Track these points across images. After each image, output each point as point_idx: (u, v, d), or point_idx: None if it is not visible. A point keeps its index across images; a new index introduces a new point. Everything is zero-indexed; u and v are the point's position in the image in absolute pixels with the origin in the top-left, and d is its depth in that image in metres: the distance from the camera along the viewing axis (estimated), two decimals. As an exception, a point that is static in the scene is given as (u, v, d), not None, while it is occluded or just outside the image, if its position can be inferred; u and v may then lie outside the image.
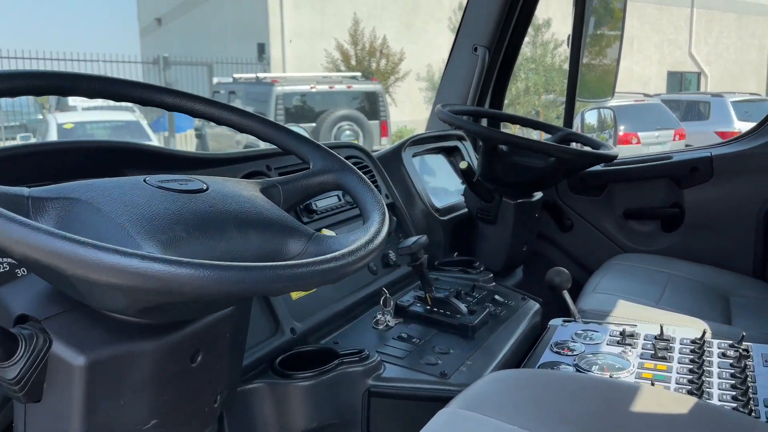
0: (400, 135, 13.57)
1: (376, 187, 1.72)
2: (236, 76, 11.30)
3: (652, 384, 1.15)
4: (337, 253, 0.70)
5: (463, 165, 1.81)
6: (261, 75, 10.99)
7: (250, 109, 1.00)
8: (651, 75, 18.38)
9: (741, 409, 1.08)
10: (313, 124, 10.10)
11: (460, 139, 2.30)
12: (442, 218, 1.93)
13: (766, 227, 2.12)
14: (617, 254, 2.26)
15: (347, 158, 1.68)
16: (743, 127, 10.42)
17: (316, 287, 0.88)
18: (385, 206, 0.87)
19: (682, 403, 0.97)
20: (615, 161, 2.02)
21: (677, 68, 19.21)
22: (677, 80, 19.28)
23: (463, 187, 2.09)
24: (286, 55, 15.08)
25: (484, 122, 2.44)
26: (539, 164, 1.84)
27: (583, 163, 1.90)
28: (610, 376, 1.23)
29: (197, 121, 10.72)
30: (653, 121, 10.78)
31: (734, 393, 1.14)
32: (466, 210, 2.02)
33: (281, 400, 1.13)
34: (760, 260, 2.13)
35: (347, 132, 10.38)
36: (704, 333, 1.36)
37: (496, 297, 1.59)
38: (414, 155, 2.02)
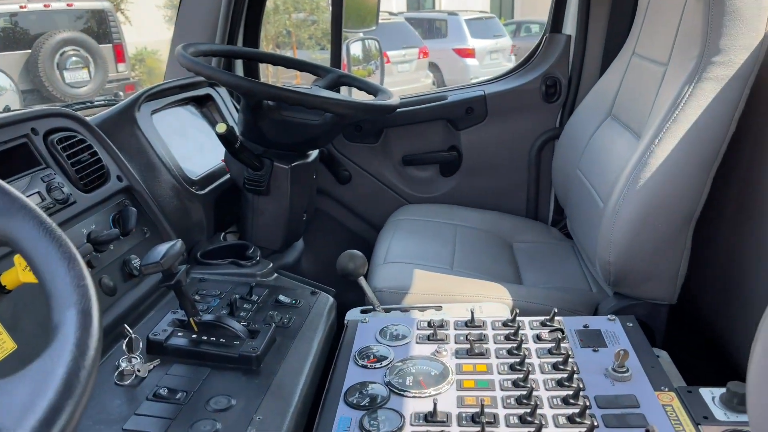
0: (141, 58, 12.07)
1: (101, 172, 1.26)
2: None
3: (481, 412, 0.95)
4: None
5: (220, 129, 1.42)
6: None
7: None
8: (393, -7, 18.85)
9: (577, 420, 0.94)
10: (28, 51, 8.43)
11: (212, 84, 1.87)
12: (199, 192, 1.53)
13: (538, 166, 2.10)
14: (400, 206, 2.10)
15: (49, 133, 1.19)
16: (477, 44, 11.22)
17: None
18: (88, 294, 0.48)
19: None
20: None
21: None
22: (415, -2, 20.09)
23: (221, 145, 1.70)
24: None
25: (239, 64, 2.03)
26: (314, 120, 1.52)
27: (363, 116, 1.62)
28: (431, 399, 1.02)
29: None
30: (399, 40, 11.04)
31: (564, 393, 1.01)
32: (230, 176, 1.64)
33: None
34: (533, 200, 2.13)
35: (73, 59, 8.88)
36: (514, 313, 1.22)
37: (281, 298, 1.27)
38: (153, 113, 1.56)
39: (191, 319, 1.09)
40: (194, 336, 1.08)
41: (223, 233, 1.62)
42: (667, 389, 1.02)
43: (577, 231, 1.75)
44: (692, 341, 1.61)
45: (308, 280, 1.38)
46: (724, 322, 1.51)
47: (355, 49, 2.68)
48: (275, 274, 1.40)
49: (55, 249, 0.50)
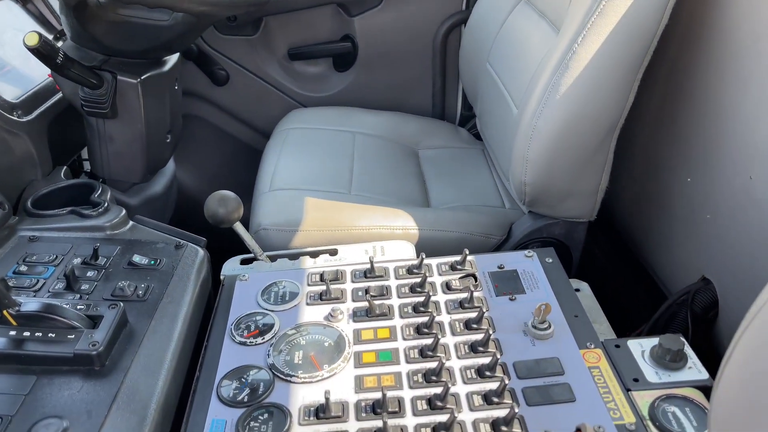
0: None
1: None
2: None
3: (384, 398, 0.79)
4: None
5: (30, 41, 1.06)
6: None
7: None
8: None
9: (495, 400, 0.80)
10: None
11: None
12: (23, 119, 1.20)
13: (443, 56, 1.86)
14: (289, 109, 1.82)
15: None
16: None
17: None
18: None
19: None
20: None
21: None
22: None
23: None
24: None
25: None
26: (162, 20, 1.19)
27: (227, 12, 1.29)
28: (323, 374, 0.84)
29: None
30: None
31: (479, 362, 0.86)
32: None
33: None
34: (439, 96, 1.90)
35: None
36: (420, 258, 1.04)
37: (135, 259, 1.02)
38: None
39: (5, 312, 0.83)
40: (12, 333, 0.83)
41: (64, 169, 1.31)
42: (593, 345, 0.89)
43: (487, 135, 1.56)
44: (610, 256, 1.51)
45: (174, 228, 1.13)
46: (639, 232, 1.42)
47: None
48: (130, 223, 1.13)
49: None
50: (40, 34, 1.06)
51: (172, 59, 1.36)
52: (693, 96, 1.17)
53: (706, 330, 1.16)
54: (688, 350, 0.87)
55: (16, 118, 1.18)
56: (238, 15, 1.72)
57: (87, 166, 1.51)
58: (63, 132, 1.32)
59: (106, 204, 1.13)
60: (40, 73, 1.32)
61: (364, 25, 1.81)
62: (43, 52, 1.08)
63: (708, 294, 1.15)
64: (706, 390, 0.83)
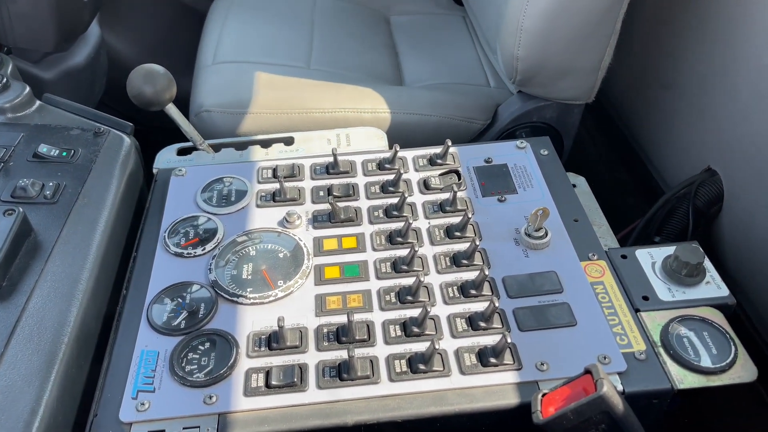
0: None
1: None
2: None
3: (350, 322, 0.65)
4: None
5: None
6: None
7: None
8: None
9: (482, 325, 0.67)
10: None
11: None
12: None
13: None
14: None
15: None
16: None
17: None
18: None
19: None
20: None
21: None
22: None
23: None
24: None
25: None
26: None
27: None
28: (277, 293, 0.70)
29: None
30: None
31: (461, 278, 0.72)
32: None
33: None
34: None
35: None
36: (393, 151, 0.87)
37: (42, 150, 0.83)
38: None
39: None
40: None
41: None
42: (596, 257, 0.76)
43: (472, 2, 1.34)
44: (604, 145, 1.36)
45: (93, 111, 0.92)
46: (636, 118, 1.26)
47: None
48: (37, 103, 0.92)
49: None
50: None
51: None
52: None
53: (706, 227, 1.05)
54: (707, 263, 0.75)
55: None
56: None
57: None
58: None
59: (4, 79, 0.91)
60: None
61: None
62: None
63: (713, 186, 1.02)
64: (726, 309, 0.71)
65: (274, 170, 0.87)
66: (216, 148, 0.94)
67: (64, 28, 1.12)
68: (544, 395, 0.58)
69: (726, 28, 0.97)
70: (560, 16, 0.96)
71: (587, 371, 0.56)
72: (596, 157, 1.38)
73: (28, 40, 1.09)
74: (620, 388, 0.63)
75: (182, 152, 0.93)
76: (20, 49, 1.11)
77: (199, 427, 0.60)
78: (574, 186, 0.90)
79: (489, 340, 0.66)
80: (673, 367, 0.65)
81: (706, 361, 0.65)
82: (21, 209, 0.72)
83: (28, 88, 0.91)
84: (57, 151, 0.83)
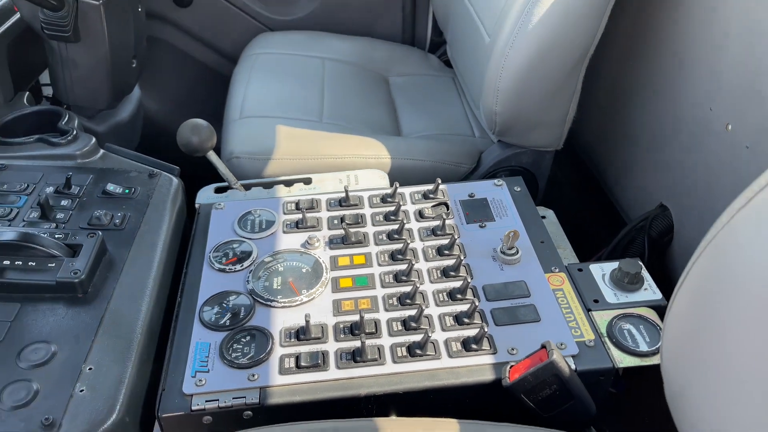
0: None
1: None
2: None
3: (361, 320, 0.83)
4: None
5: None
6: None
7: None
8: None
9: (466, 320, 0.85)
10: None
11: None
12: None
13: (414, -21, 1.82)
14: (255, 33, 1.78)
15: None
16: None
17: None
18: None
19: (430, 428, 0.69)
20: None
21: None
22: None
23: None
24: None
25: None
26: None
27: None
28: (302, 298, 0.88)
29: None
30: None
31: (450, 285, 0.91)
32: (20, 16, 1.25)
33: None
34: (409, 21, 1.87)
35: None
36: (394, 187, 1.07)
37: (110, 188, 1.02)
38: None
39: (-19, 244, 0.83)
40: (-10, 263, 0.84)
41: (27, 93, 1.27)
42: (557, 269, 0.94)
43: (458, 63, 1.56)
44: (575, 185, 1.57)
45: (146, 157, 1.12)
46: (603, 161, 1.47)
47: None
48: (101, 152, 1.12)
49: None
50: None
51: (135, -22, 1.31)
52: (659, 29, 1.19)
53: (660, 254, 1.24)
54: (645, 273, 0.93)
55: (-28, 41, 1.14)
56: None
57: (46, 91, 1.47)
58: (22, 55, 1.27)
59: (74, 132, 1.11)
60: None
61: (332, -56, 1.75)
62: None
63: (665, 220, 1.21)
64: (660, 309, 0.89)
65: (297, 204, 1.06)
66: (247, 187, 1.14)
67: (115, 90, 1.34)
68: (511, 366, 0.76)
69: (668, 87, 1.18)
70: (530, 79, 1.17)
71: (543, 346, 0.74)
72: (568, 193, 1.58)
73: (86, 99, 1.30)
74: (573, 366, 0.80)
75: (219, 190, 1.13)
76: (78, 106, 1.32)
77: (244, 397, 0.78)
78: (544, 217, 1.10)
79: (471, 332, 0.84)
80: (615, 352, 0.83)
81: (641, 347, 0.83)
82: (100, 233, 0.90)
83: (93, 139, 1.12)
84: (121, 189, 1.03)
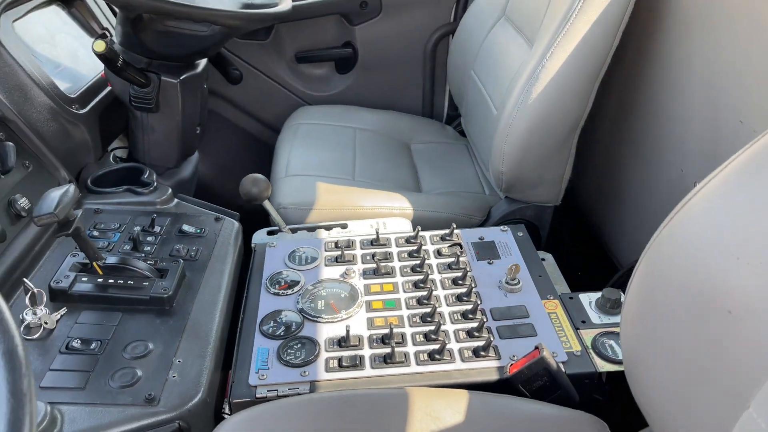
0: None
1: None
2: None
3: (390, 333, 1.04)
4: None
5: (98, 47, 1.29)
6: None
7: None
8: None
9: (476, 334, 1.05)
10: None
11: (76, -19, 1.66)
12: (81, 111, 1.42)
13: (433, 62, 2.10)
14: (296, 106, 2.05)
15: None
16: None
17: None
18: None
19: (453, 404, 0.88)
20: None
21: None
22: None
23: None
24: None
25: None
26: (202, 31, 1.42)
27: (256, 26, 1.53)
28: (343, 323, 1.09)
29: None
30: None
31: (463, 308, 1.11)
32: (111, 88, 1.53)
33: None
34: (429, 97, 2.15)
35: None
36: (416, 230, 1.29)
37: (185, 228, 1.26)
38: (14, 22, 1.39)
39: (95, 264, 1.06)
40: (100, 280, 1.06)
41: (112, 151, 1.53)
42: (552, 297, 1.14)
43: (471, 132, 1.81)
44: (574, 235, 1.78)
45: (211, 204, 1.36)
46: (598, 216, 1.68)
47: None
48: (175, 200, 1.36)
49: None
50: (105, 42, 1.29)
51: (203, 62, 1.59)
52: (640, 103, 1.43)
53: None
54: (624, 299, 1.13)
55: (75, 111, 1.40)
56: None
57: (118, 152, 1.73)
58: (108, 121, 1.54)
59: (155, 184, 1.36)
60: (88, 71, 1.54)
61: (364, 33, 2.05)
62: (108, 56, 1.30)
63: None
64: (636, 329, 1.08)
65: (336, 243, 1.28)
66: (293, 230, 1.36)
67: (183, 152, 1.59)
68: (511, 364, 0.95)
69: (648, 152, 1.41)
70: (530, 144, 1.40)
71: (536, 347, 0.93)
72: (568, 242, 1.78)
73: (159, 159, 1.56)
74: (563, 370, 0.99)
75: (270, 233, 1.36)
76: (152, 164, 1.57)
77: (298, 388, 0.97)
78: (544, 260, 1.30)
79: (480, 342, 1.04)
80: (597, 360, 1.02)
81: (619, 356, 1.02)
82: (181, 261, 1.13)
83: (170, 190, 1.36)
84: (194, 229, 1.26)
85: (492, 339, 1.02)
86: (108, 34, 1.36)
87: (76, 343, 0.96)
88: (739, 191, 0.66)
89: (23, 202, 1.14)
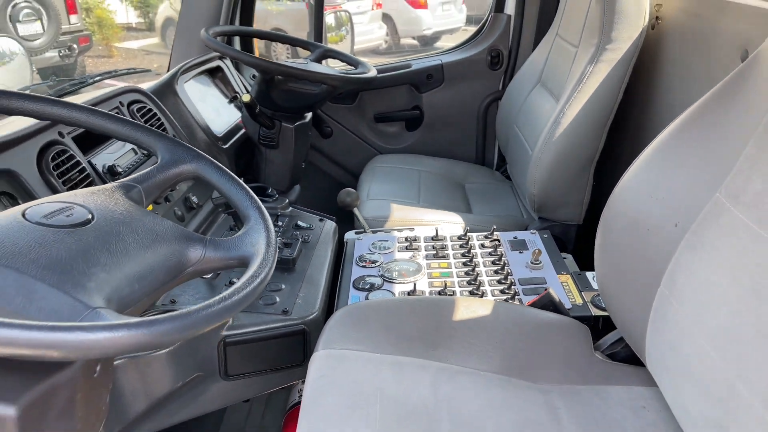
0: (87, 8, 11.83)
1: (161, 128, 1.69)
2: None
3: (444, 288, 1.48)
4: (248, 275, 0.78)
5: (246, 99, 1.86)
6: None
7: None
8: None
9: (506, 291, 1.47)
10: (-24, 4, 8.35)
11: (221, 58, 2.28)
12: (224, 146, 1.98)
13: (485, 121, 2.61)
14: (373, 156, 2.58)
15: (130, 104, 1.62)
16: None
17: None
18: (256, 200, 0.95)
19: (486, 306, 1.30)
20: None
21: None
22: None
23: (230, 106, 2.15)
24: None
25: (236, 39, 2.43)
26: (313, 90, 1.97)
27: (351, 87, 2.07)
28: (412, 283, 1.53)
29: None
30: (354, -8, 11.19)
31: (498, 278, 1.54)
32: (243, 132, 2.09)
33: (144, 370, 1.19)
34: (481, 149, 2.64)
35: (26, 11, 8.84)
36: (466, 230, 1.74)
37: (299, 223, 1.76)
38: (185, 83, 1.98)
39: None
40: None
41: (242, 179, 2.07)
42: (564, 273, 1.56)
43: (513, 173, 2.27)
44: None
45: (316, 211, 1.86)
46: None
47: (329, 18, 3.08)
48: (290, 208, 1.87)
49: (228, 179, 0.97)
50: (250, 95, 1.85)
51: (309, 115, 2.14)
52: (648, 140, 1.87)
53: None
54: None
55: (220, 146, 1.96)
56: (349, 89, 2.52)
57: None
58: (240, 157, 2.09)
59: (276, 197, 1.88)
60: (228, 119, 2.12)
61: (429, 99, 2.58)
62: (250, 105, 1.87)
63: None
64: (626, 294, 1.48)
65: (405, 238, 1.74)
66: (374, 232, 1.84)
67: (292, 180, 2.12)
68: (528, 301, 1.37)
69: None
70: (555, 171, 1.85)
71: (545, 289, 1.35)
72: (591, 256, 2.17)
73: (275, 183, 2.09)
74: (564, 304, 1.39)
75: (358, 233, 1.83)
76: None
77: (380, 318, 1.42)
78: (565, 258, 1.72)
79: (509, 295, 1.46)
80: (592, 308, 1.42)
81: (610, 307, 1.42)
82: (299, 239, 1.62)
83: (287, 200, 1.87)
84: (306, 225, 1.76)
85: (517, 291, 1.44)
86: (239, 96, 1.93)
87: (236, 280, 1.45)
88: (654, 157, 1.09)
89: (194, 198, 1.67)
